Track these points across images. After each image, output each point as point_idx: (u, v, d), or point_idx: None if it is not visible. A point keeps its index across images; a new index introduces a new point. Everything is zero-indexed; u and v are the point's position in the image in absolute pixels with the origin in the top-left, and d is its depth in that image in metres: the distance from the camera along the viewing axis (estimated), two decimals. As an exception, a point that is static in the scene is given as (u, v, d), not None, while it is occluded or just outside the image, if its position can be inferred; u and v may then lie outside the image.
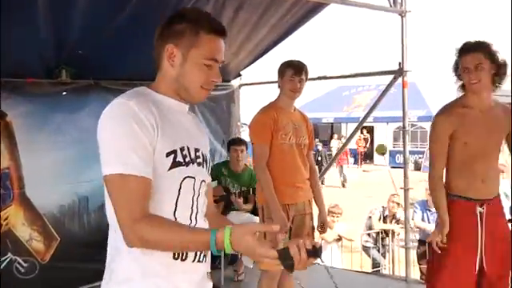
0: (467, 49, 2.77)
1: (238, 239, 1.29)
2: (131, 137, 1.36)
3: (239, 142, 5.01)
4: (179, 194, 1.45)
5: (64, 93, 4.50)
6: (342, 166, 16.31)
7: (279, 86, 3.48)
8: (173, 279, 1.44)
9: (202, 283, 1.53)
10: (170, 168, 1.43)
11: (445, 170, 2.92)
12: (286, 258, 1.26)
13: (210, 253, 1.52)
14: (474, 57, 2.73)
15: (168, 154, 1.42)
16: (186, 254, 1.45)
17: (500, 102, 2.95)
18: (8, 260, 4.20)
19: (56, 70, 4.41)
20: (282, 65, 3.47)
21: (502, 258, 2.82)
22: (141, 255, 1.40)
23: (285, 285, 3.47)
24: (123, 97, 1.43)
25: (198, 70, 1.47)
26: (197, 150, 1.52)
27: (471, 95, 2.82)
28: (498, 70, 2.76)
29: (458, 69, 2.83)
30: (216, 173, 4.83)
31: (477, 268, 2.81)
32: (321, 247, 1.36)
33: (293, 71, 3.39)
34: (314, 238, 3.66)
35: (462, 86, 2.86)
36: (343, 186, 16.35)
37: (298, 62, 3.45)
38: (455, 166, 2.89)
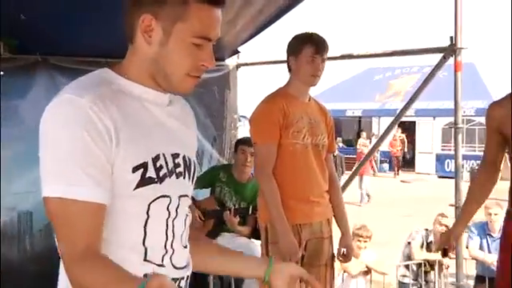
0: None
1: None
2: (80, 149, 1.33)
3: (251, 142, 4.92)
4: (148, 216, 1.44)
5: (1, 72, 4.50)
6: (361, 177, 16.00)
7: (290, 68, 3.48)
8: None
9: None
10: (137, 187, 1.41)
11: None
12: None
13: None
14: None
15: (135, 169, 1.40)
16: None
17: None
18: None
19: (-10, 41, 4.43)
20: (295, 39, 3.46)
21: None
22: None
23: None
24: (74, 89, 1.39)
25: (184, 52, 1.43)
26: (175, 156, 1.50)
27: None
28: None
29: None
30: (211, 178, 4.81)
31: None
32: None
33: (314, 48, 3.37)
34: (333, 270, 3.66)
35: None
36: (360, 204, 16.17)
37: (318, 35, 3.44)
38: None
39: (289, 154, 3.37)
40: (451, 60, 4.86)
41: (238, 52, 5.88)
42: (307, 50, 3.37)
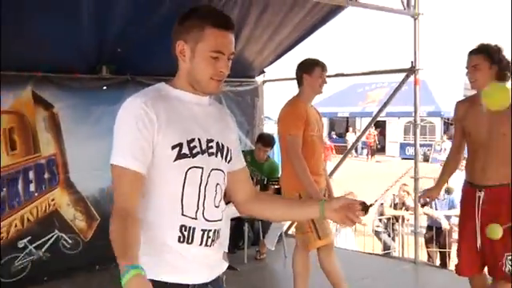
0: (470, 51, 2.89)
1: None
2: (130, 133, 1.37)
3: (268, 142, 4.87)
4: (185, 182, 1.42)
5: (104, 87, 4.55)
6: (325, 163, 15.10)
7: (302, 82, 3.42)
8: (182, 259, 1.42)
9: (214, 265, 1.50)
10: (176, 160, 1.40)
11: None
12: None
13: (225, 237, 1.52)
14: (472, 59, 2.85)
15: (173, 147, 1.40)
16: (192, 238, 1.43)
17: None
18: (55, 236, 4.33)
19: (97, 66, 4.47)
20: (307, 63, 3.43)
21: (498, 242, 2.78)
22: (152, 235, 1.40)
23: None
24: (135, 95, 1.43)
25: (205, 63, 1.43)
26: (210, 141, 1.47)
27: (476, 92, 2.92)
28: (500, 69, 2.82)
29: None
30: None
31: (478, 247, 2.90)
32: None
33: (322, 68, 3.39)
34: (328, 223, 3.64)
35: None
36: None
37: (321, 61, 3.45)
38: (468, 154, 3.02)
39: (309, 142, 3.33)
40: (411, 77, 4.79)
41: (264, 72, 5.85)
42: (318, 69, 3.37)
